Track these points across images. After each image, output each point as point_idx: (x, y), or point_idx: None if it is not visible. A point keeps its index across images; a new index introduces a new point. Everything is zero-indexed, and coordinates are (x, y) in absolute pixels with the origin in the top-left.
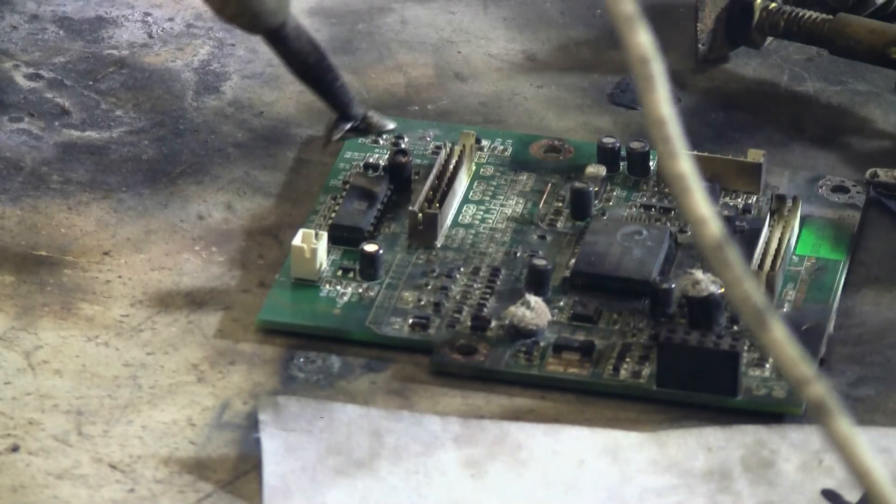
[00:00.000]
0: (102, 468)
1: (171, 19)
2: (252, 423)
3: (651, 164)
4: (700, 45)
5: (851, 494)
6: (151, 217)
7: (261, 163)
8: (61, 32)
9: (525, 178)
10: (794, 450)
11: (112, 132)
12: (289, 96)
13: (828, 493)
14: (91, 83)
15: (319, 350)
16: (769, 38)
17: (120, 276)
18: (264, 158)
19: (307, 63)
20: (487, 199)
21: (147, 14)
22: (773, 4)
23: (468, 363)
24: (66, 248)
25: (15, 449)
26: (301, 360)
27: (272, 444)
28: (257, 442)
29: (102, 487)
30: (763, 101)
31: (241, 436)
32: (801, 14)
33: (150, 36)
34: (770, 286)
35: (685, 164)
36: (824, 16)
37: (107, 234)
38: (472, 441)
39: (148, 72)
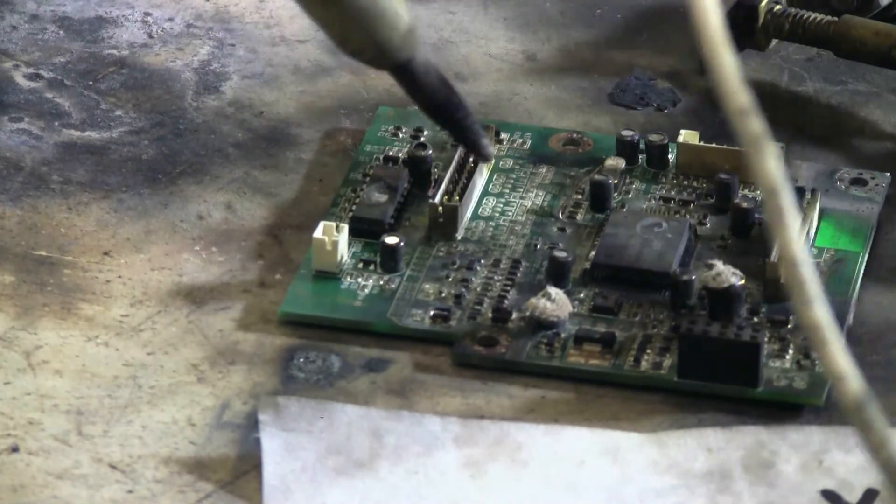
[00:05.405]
0: (102, 468)
1: (171, 19)
2: (252, 423)
3: (670, 156)
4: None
5: (851, 494)
6: (151, 217)
7: (261, 163)
8: (61, 32)
9: (544, 170)
10: (793, 451)
11: (112, 132)
12: (289, 96)
13: (828, 494)
14: (91, 83)
15: (320, 349)
16: (773, 41)
17: (120, 276)
18: (264, 158)
19: (435, 101)
20: (507, 191)
21: (147, 14)
22: (778, 7)
23: (489, 355)
24: (66, 248)
25: (15, 449)
26: (301, 360)
27: (272, 444)
28: (257, 442)
29: (102, 487)
30: (763, 101)
31: (241, 436)
32: (805, 16)
33: (150, 36)
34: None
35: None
36: (829, 18)
37: (107, 234)
38: (472, 441)
39: (148, 72)
